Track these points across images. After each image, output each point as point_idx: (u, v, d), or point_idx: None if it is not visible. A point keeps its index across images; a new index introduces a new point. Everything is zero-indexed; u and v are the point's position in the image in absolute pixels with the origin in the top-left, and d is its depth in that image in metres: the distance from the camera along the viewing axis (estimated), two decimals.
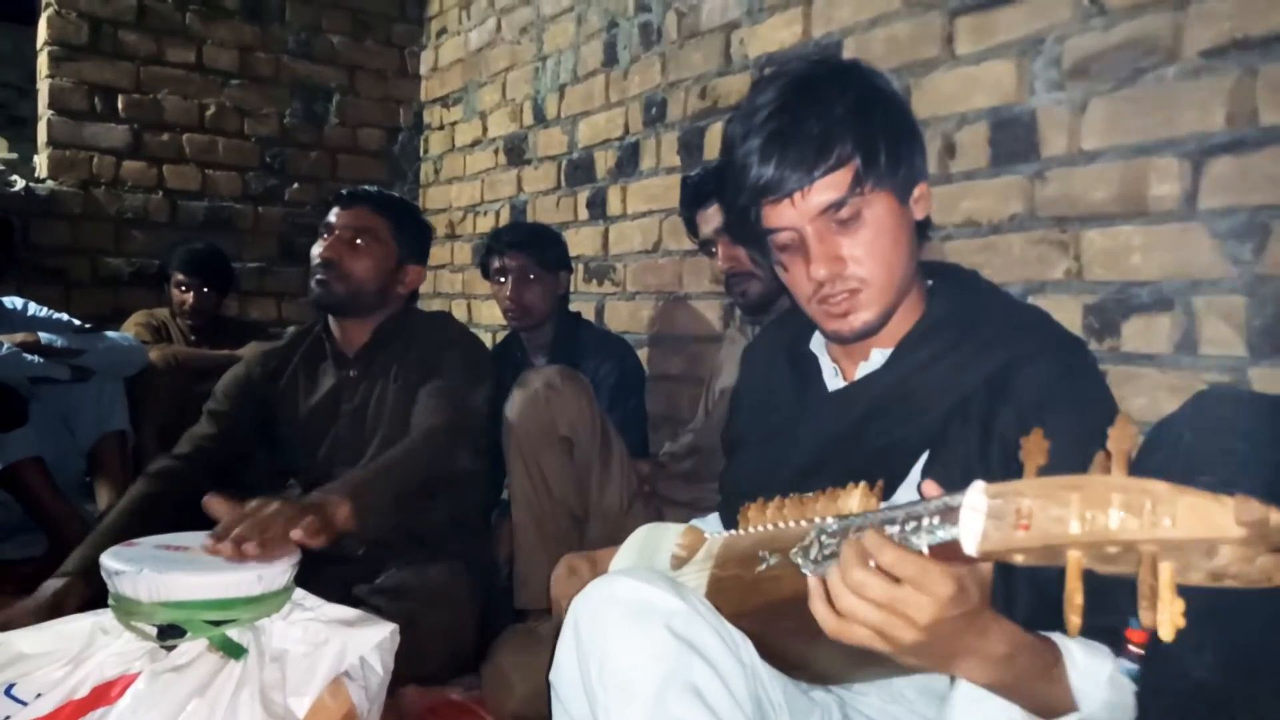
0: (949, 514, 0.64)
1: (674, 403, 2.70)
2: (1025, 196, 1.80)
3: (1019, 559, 0.60)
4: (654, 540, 1.07)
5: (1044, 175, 1.77)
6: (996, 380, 0.92)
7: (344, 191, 1.90)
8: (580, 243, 3.04)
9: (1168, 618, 0.52)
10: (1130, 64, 1.63)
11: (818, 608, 0.70)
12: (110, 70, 3.55)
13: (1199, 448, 1.19)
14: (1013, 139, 1.82)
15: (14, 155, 3.68)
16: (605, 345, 2.50)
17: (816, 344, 1.11)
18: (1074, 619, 0.57)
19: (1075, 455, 0.69)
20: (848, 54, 2.16)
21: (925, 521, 0.66)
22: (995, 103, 1.85)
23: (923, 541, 0.65)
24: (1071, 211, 1.73)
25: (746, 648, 0.89)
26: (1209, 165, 1.53)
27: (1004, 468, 0.87)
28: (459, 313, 3.82)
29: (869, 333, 1.00)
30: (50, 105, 3.47)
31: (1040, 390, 0.89)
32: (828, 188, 0.94)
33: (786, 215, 0.96)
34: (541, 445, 1.74)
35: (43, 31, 3.50)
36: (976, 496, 0.62)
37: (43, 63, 3.51)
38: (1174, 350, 1.58)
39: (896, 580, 0.66)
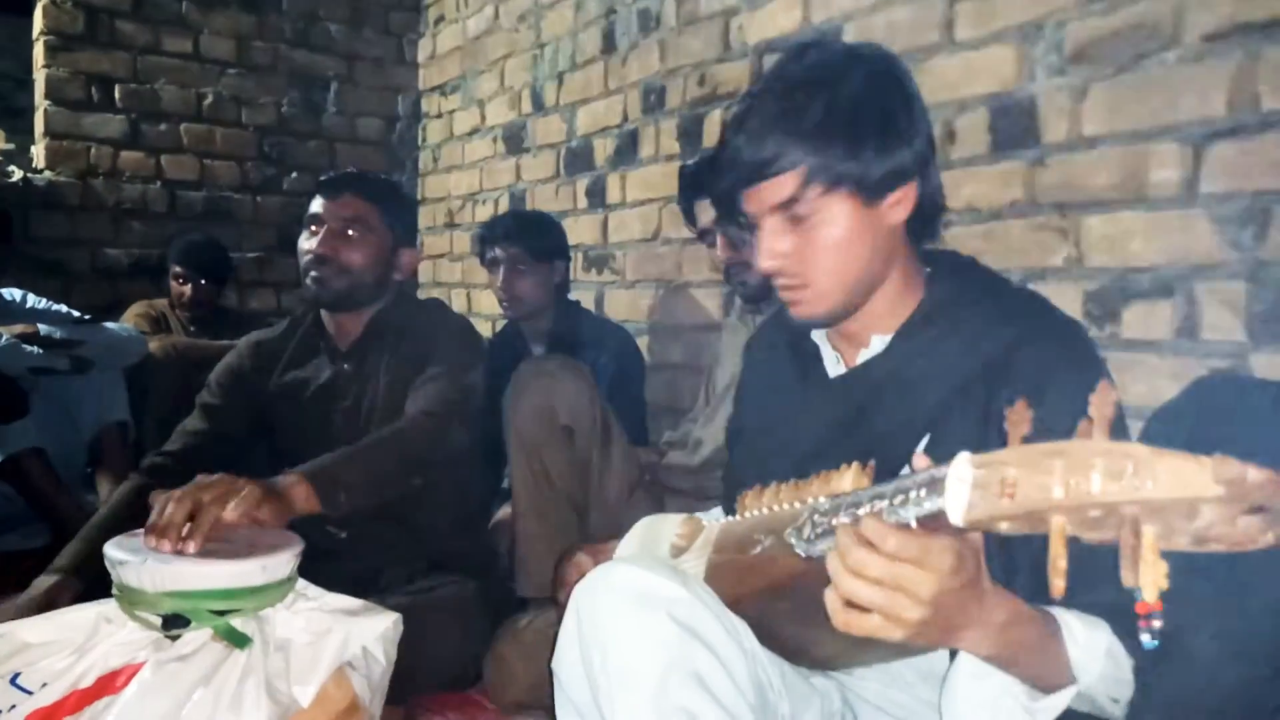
0: (935, 485, 0.64)
1: (674, 391, 2.70)
2: (1025, 183, 1.80)
3: (1004, 527, 0.61)
4: (655, 531, 1.07)
5: (1044, 161, 1.77)
6: (995, 365, 0.93)
7: (326, 179, 1.83)
8: (579, 231, 3.04)
9: (1151, 579, 0.53)
10: (1131, 49, 1.63)
11: (828, 597, 0.70)
12: (107, 60, 3.54)
13: (1199, 433, 1.19)
14: (1013, 125, 1.81)
15: (11, 146, 3.67)
16: (605, 334, 2.50)
17: (818, 332, 1.11)
18: (1058, 581, 0.58)
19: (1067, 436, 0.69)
20: (847, 40, 2.15)
21: (913, 494, 0.66)
22: (995, 88, 1.84)
23: (910, 514, 0.66)
24: (1072, 198, 1.72)
25: (747, 634, 0.90)
26: (1210, 151, 1.53)
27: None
28: (459, 302, 3.82)
29: (829, 323, 1.03)
30: (47, 96, 3.46)
31: (1038, 374, 0.90)
32: (776, 188, 0.96)
33: (750, 205, 1.00)
34: (542, 435, 1.74)
35: (38, 21, 3.48)
36: (962, 467, 0.62)
37: (39, 53, 3.50)
38: (1175, 336, 1.58)
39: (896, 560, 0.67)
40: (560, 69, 3.21)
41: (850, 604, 0.69)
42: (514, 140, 3.49)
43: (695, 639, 0.83)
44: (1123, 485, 0.53)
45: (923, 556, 0.66)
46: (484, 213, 3.63)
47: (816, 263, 0.98)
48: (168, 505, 1.17)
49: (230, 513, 1.20)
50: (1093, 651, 0.77)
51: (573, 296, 2.65)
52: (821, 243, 0.97)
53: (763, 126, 0.95)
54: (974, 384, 0.93)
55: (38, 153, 3.52)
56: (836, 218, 0.96)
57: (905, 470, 0.94)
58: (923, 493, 0.65)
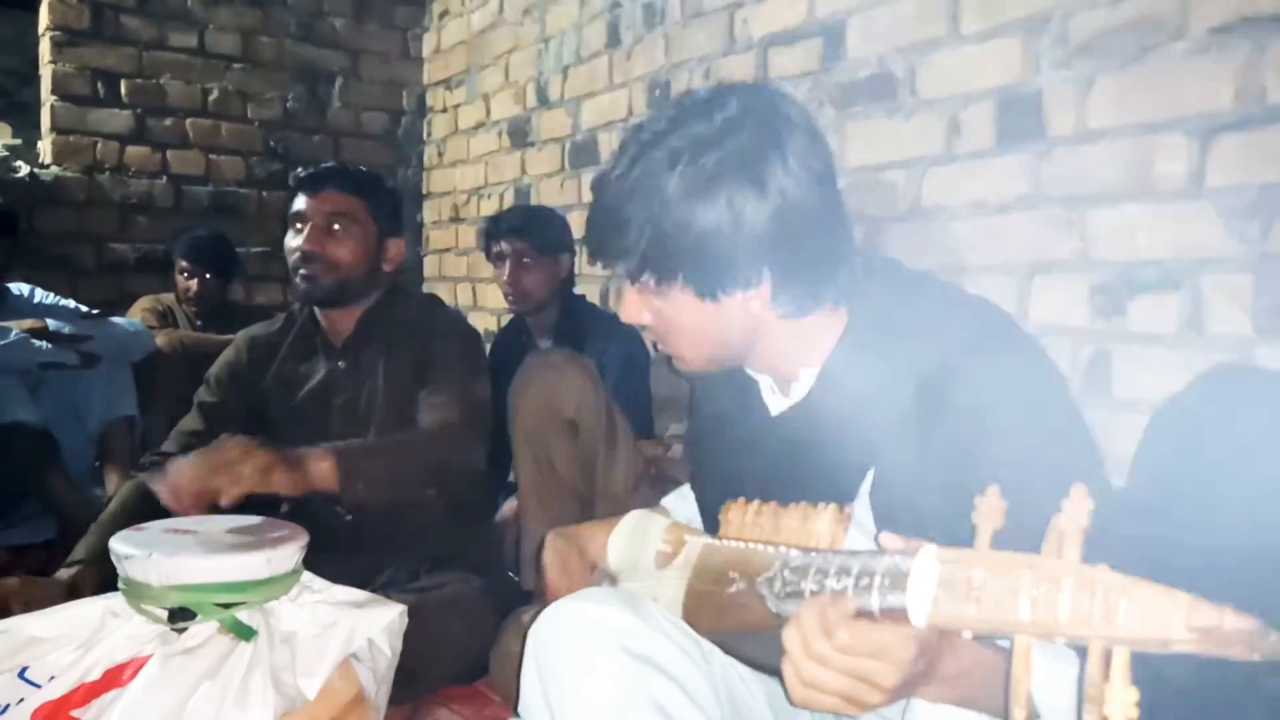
0: (899, 580, 0.63)
1: (678, 385, 2.69)
2: (1031, 176, 1.79)
3: (968, 634, 0.60)
4: (642, 531, 1.05)
5: (1050, 155, 1.76)
6: (925, 394, 0.87)
7: (306, 175, 1.79)
8: (584, 225, 3.03)
9: (1119, 708, 0.51)
10: (1137, 41, 1.62)
11: (785, 671, 0.70)
12: (112, 55, 3.55)
13: (1207, 424, 1.19)
14: (1019, 118, 1.81)
15: (18, 141, 3.68)
16: (610, 327, 2.49)
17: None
18: (1019, 713, 0.56)
19: (1012, 469, 0.68)
20: (852, 34, 2.14)
21: (877, 581, 0.64)
22: (1001, 82, 1.84)
23: (874, 602, 0.64)
24: (1078, 191, 1.72)
25: (717, 655, 0.90)
26: (1216, 143, 1.52)
27: (944, 486, 0.84)
28: (464, 296, 3.82)
29: (702, 371, 1.01)
30: (53, 91, 3.47)
31: (969, 405, 0.84)
32: (619, 265, 0.95)
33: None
34: (547, 428, 1.74)
35: (44, 17, 3.49)
36: (927, 563, 0.61)
37: (45, 48, 3.51)
38: (1181, 330, 1.57)
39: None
40: (565, 63, 3.21)
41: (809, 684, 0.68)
42: (519, 134, 3.48)
43: (651, 667, 0.83)
44: (1090, 615, 0.52)
45: (883, 651, 0.65)
46: (489, 207, 3.63)
47: (669, 335, 0.97)
48: (180, 482, 1.23)
49: (234, 489, 1.27)
50: (1057, 687, 0.74)
51: (578, 290, 2.65)
52: (668, 322, 0.95)
53: (608, 205, 0.93)
54: (908, 416, 0.87)
55: (44, 148, 3.53)
56: (678, 304, 0.93)
57: (857, 503, 0.92)
58: (886, 582, 0.64)
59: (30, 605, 1.38)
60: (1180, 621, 0.49)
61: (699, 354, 0.97)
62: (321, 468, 1.39)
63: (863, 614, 0.66)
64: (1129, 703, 0.51)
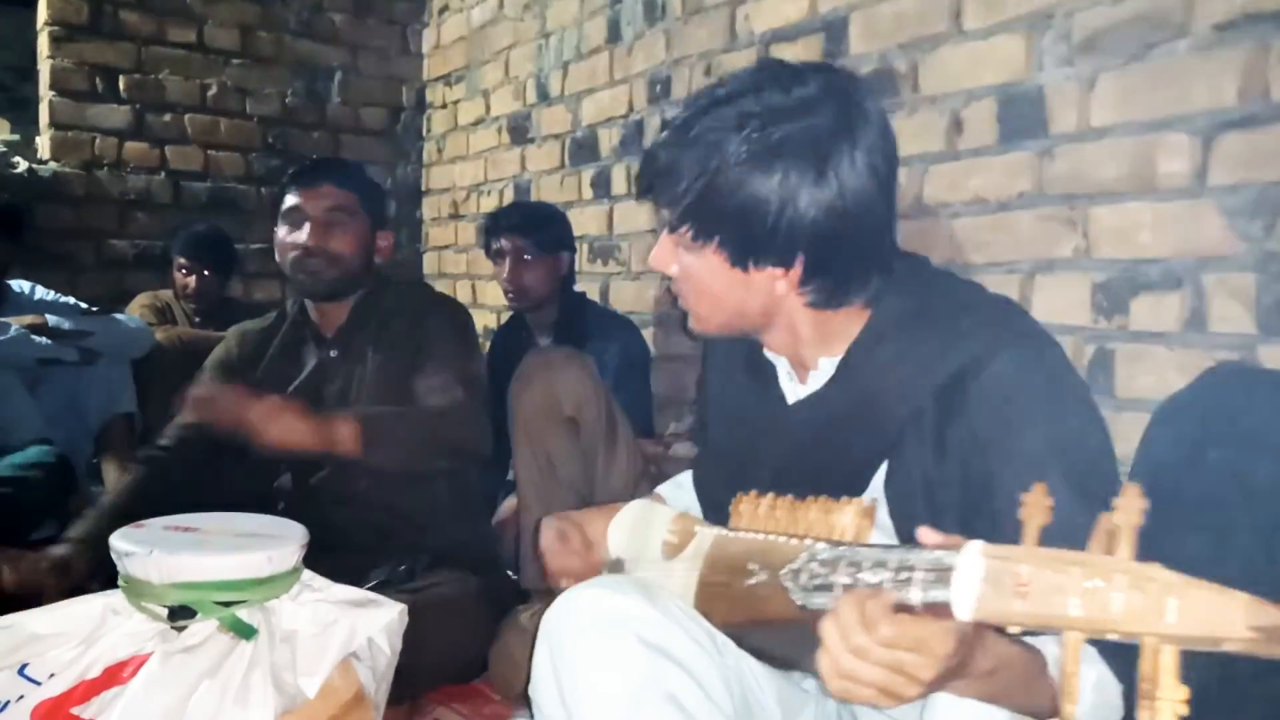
0: (942, 575, 0.62)
1: (679, 383, 2.70)
2: (1034, 174, 1.79)
3: (1014, 629, 0.59)
4: (645, 521, 1.04)
5: (1052, 152, 1.76)
6: (946, 392, 0.87)
7: (299, 171, 1.82)
8: (584, 222, 3.03)
9: (1169, 706, 0.51)
10: (1141, 38, 1.62)
11: (822, 663, 0.69)
12: (111, 51, 3.54)
13: (1210, 423, 1.19)
14: (1021, 115, 1.80)
15: (16, 137, 3.67)
16: (610, 325, 2.50)
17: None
18: (1069, 708, 0.55)
19: (1034, 469, 0.68)
20: (854, 30, 2.14)
21: (918, 576, 0.64)
22: (1004, 79, 1.83)
23: (915, 596, 0.64)
24: (1080, 189, 1.71)
25: (727, 647, 0.89)
26: (1219, 141, 1.52)
27: (961, 485, 0.85)
28: (464, 293, 3.82)
29: (714, 335, 1.03)
30: (52, 87, 3.46)
31: (991, 403, 0.85)
32: (661, 208, 0.96)
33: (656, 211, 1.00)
34: (546, 426, 1.74)
35: (42, 12, 3.48)
36: (973, 559, 0.60)
37: (43, 44, 3.50)
38: (1183, 328, 1.57)
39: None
40: (565, 59, 3.20)
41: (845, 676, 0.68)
42: (519, 131, 3.48)
43: (666, 659, 0.83)
44: (1145, 612, 0.51)
45: (923, 644, 0.65)
46: (489, 204, 3.63)
47: (690, 292, 0.98)
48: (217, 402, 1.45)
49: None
50: (1080, 686, 0.76)
51: (578, 288, 2.64)
52: (693, 278, 0.96)
53: (664, 152, 0.93)
54: (926, 411, 0.88)
55: (43, 144, 3.52)
56: (708, 264, 0.94)
57: (867, 495, 0.92)
58: (931, 577, 0.63)
59: (12, 573, 1.40)
60: (1240, 621, 0.49)
61: (715, 318, 0.99)
62: (344, 430, 1.46)
63: (902, 608, 0.65)
64: (1179, 700, 0.51)
